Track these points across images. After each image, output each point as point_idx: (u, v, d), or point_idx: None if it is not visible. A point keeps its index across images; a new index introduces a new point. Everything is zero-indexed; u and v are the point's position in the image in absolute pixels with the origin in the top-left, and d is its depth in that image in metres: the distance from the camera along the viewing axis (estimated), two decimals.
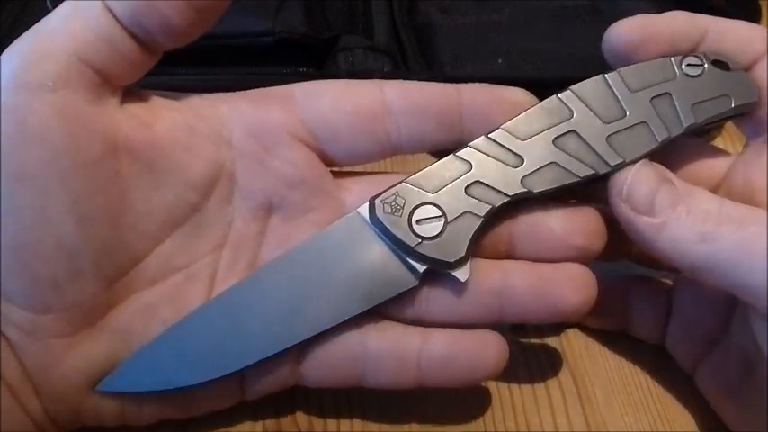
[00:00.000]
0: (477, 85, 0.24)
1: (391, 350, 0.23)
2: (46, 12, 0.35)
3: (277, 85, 0.35)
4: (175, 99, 0.23)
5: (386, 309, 0.24)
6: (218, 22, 0.34)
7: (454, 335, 0.24)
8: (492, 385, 0.28)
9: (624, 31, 0.24)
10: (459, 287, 0.23)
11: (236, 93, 0.24)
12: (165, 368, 0.22)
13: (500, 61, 0.36)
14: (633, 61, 0.24)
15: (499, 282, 0.24)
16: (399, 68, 0.38)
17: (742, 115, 0.24)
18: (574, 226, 0.24)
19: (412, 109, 0.24)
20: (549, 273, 0.23)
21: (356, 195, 0.24)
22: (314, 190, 0.24)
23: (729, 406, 0.25)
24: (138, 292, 0.23)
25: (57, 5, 0.35)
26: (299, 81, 0.35)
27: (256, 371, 0.23)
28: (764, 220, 0.21)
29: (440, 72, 0.36)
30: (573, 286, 0.23)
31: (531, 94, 0.24)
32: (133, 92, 0.23)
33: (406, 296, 0.24)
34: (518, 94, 0.24)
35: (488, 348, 0.24)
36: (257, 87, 0.34)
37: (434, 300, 0.24)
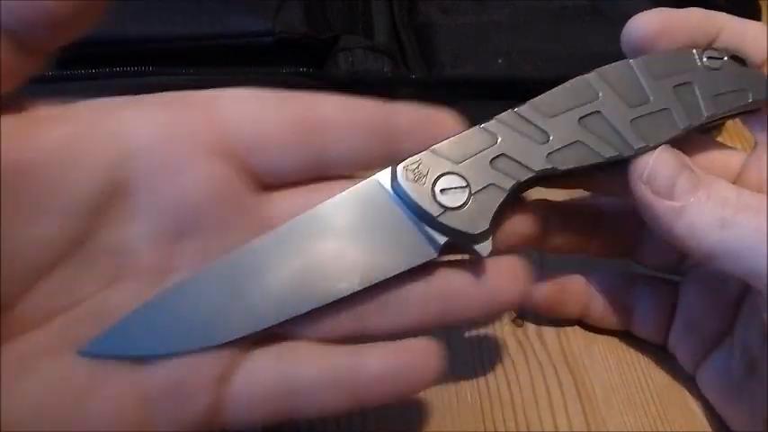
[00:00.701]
0: (410, 104, 0.23)
1: (323, 376, 0.21)
2: None
3: (277, 85, 0.35)
4: (66, 108, 0.20)
5: (323, 324, 0.22)
6: (218, 21, 0.34)
7: (389, 349, 0.22)
8: (492, 385, 0.28)
9: (643, 23, 0.24)
10: (403, 295, 0.22)
11: (149, 95, 0.21)
12: (158, 333, 0.20)
13: (500, 61, 0.36)
14: (651, 52, 0.24)
15: (441, 285, 0.23)
16: (399, 68, 0.38)
17: (752, 111, 0.25)
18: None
19: (349, 123, 0.22)
20: (486, 268, 0.23)
21: (283, 211, 0.22)
22: (233, 209, 0.21)
23: (731, 406, 0.25)
24: (12, 341, 0.19)
25: None
26: (299, 81, 0.35)
27: (161, 410, 0.20)
28: None
29: (440, 72, 0.36)
30: (509, 278, 0.23)
31: (458, 118, 0.23)
32: (9, 103, 0.19)
33: (346, 310, 0.22)
34: (447, 116, 0.23)
35: (424, 359, 0.22)
36: (257, 87, 0.34)
37: (377, 312, 0.22)
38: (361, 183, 0.22)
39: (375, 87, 0.37)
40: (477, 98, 0.36)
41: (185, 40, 0.34)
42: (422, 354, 0.22)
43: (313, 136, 0.22)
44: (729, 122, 0.37)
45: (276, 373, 0.21)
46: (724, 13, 0.24)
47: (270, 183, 0.23)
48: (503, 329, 0.30)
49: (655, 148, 0.23)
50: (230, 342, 0.21)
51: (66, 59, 0.35)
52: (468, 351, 0.29)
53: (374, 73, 0.36)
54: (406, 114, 0.23)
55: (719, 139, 0.37)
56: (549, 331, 0.30)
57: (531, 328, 0.30)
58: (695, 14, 0.24)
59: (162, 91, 0.33)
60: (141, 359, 0.20)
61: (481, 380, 0.28)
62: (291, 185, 0.23)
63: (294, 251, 0.22)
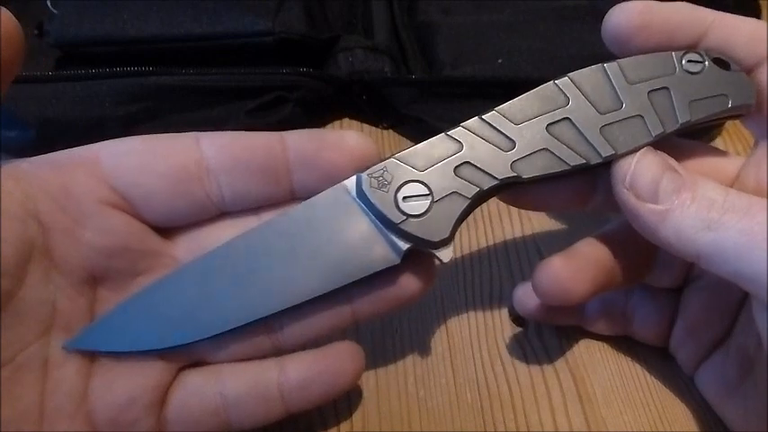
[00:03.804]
0: (304, 132, 0.23)
1: (251, 391, 0.23)
2: (46, 12, 0.35)
3: (277, 85, 0.35)
4: None
5: (240, 346, 0.23)
6: (218, 21, 0.34)
7: (309, 357, 0.24)
8: (492, 385, 0.28)
9: (624, 14, 0.23)
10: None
11: (41, 157, 0.22)
12: (135, 330, 0.22)
13: (500, 61, 0.36)
14: (629, 46, 0.23)
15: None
16: (399, 68, 0.38)
17: (738, 116, 0.24)
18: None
19: (232, 166, 0.22)
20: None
21: (188, 249, 0.23)
22: (138, 254, 0.23)
23: (728, 406, 0.25)
24: None
25: (57, 5, 0.35)
26: (300, 81, 0.35)
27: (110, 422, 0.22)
28: None
29: (440, 72, 0.37)
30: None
31: (366, 137, 0.23)
32: None
33: (262, 330, 0.23)
34: (350, 139, 0.23)
35: (344, 362, 0.24)
36: (258, 87, 0.34)
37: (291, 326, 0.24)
38: (328, 189, 0.23)
39: (375, 87, 0.37)
40: (477, 98, 0.36)
41: (185, 40, 0.34)
42: (339, 358, 0.24)
43: (193, 184, 0.22)
44: (729, 123, 0.37)
45: (208, 393, 0.23)
46: (714, 11, 0.23)
47: (169, 226, 0.24)
48: (503, 329, 0.30)
49: (623, 155, 0.23)
50: (164, 363, 0.23)
51: (66, 59, 0.35)
52: (469, 351, 0.29)
53: (374, 73, 0.36)
54: (298, 144, 0.23)
55: (719, 139, 0.37)
56: (549, 331, 0.30)
57: (531, 328, 0.30)
58: (681, 10, 0.23)
59: (161, 91, 0.33)
60: (121, 354, 0.22)
61: (481, 380, 0.28)
62: (194, 225, 0.24)
63: (262, 254, 0.22)
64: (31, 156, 0.22)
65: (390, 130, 0.38)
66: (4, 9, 0.19)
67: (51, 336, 0.21)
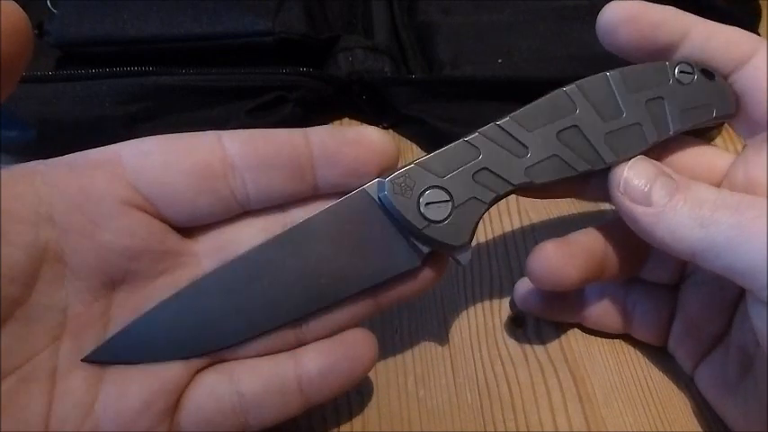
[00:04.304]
0: (326, 129, 0.23)
1: (269, 387, 0.23)
2: (46, 12, 0.35)
3: (277, 85, 0.35)
4: None
5: (267, 342, 0.23)
6: (218, 22, 0.34)
7: (325, 346, 0.24)
8: (492, 385, 0.28)
9: (614, 10, 0.25)
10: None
11: (56, 159, 0.22)
12: (161, 339, 0.21)
13: (500, 61, 0.36)
14: (618, 37, 0.25)
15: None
16: (399, 68, 0.38)
17: (721, 123, 0.26)
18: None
19: (258, 162, 0.22)
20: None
21: (209, 247, 0.23)
22: (159, 255, 0.22)
23: (727, 405, 0.26)
24: None
25: (57, 5, 0.35)
26: (300, 81, 0.35)
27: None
28: (762, 205, 0.21)
29: (440, 72, 0.37)
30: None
31: (386, 133, 0.23)
32: None
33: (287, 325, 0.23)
34: (370, 135, 0.23)
35: (360, 348, 0.24)
36: (258, 87, 0.35)
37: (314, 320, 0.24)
38: (351, 194, 0.23)
39: (375, 87, 0.37)
40: (477, 98, 0.36)
41: (185, 40, 0.34)
42: (354, 344, 0.24)
43: (218, 181, 0.22)
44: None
45: (224, 393, 0.22)
46: (696, 17, 0.25)
47: (190, 225, 0.23)
48: (503, 329, 0.30)
49: (623, 161, 0.24)
50: (182, 364, 0.22)
51: (66, 59, 0.35)
52: (469, 351, 0.29)
53: (374, 73, 0.36)
54: (321, 140, 0.23)
55: (719, 139, 0.37)
56: (549, 331, 0.30)
57: (531, 328, 0.30)
58: (666, 11, 0.25)
59: (161, 91, 0.33)
60: (141, 364, 0.22)
61: (481, 380, 0.28)
62: (216, 224, 0.23)
63: (286, 259, 0.23)
64: (30, 156, 0.22)
65: (390, 130, 0.38)
66: (11, 2, 0.19)
67: (61, 343, 0.21)
